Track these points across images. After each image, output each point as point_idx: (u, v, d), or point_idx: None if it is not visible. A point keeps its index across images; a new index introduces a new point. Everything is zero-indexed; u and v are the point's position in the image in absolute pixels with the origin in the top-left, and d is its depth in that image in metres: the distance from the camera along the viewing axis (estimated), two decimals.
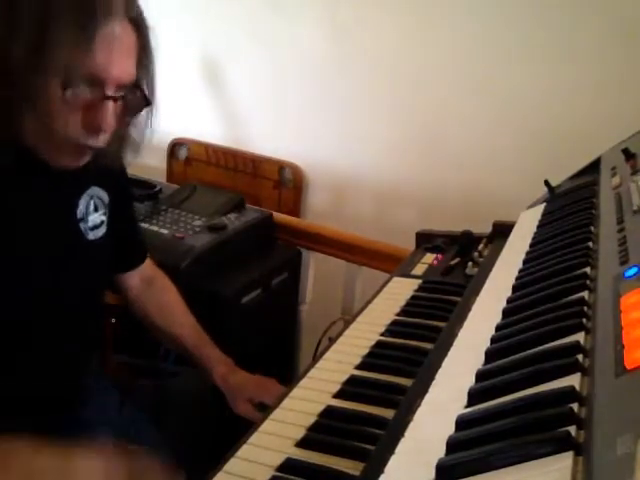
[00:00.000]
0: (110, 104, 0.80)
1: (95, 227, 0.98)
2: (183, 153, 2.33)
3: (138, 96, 0.85)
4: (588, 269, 0.76)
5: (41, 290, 0.90)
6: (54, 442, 0.75)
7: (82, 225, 0.95)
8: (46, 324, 0.92)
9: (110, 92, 0.79)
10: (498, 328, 0.72)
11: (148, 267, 1.19)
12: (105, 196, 1.00)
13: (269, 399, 0.99)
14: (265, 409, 0.80)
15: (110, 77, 0.78)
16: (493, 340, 0.69)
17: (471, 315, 0.84)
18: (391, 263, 1.47)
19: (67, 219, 0.94)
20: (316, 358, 0.91)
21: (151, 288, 1.18)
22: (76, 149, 0.83)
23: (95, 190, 0.98)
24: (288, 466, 0.68)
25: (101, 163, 0.89)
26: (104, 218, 0.99)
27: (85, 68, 0.76)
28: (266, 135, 2.18)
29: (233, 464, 0.69)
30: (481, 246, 1.20)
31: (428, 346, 0.87)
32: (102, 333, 1.44)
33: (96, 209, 0.98)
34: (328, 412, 0.76)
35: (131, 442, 1.07)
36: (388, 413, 0.74)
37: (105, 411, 1.11)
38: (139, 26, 0.82)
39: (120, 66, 0.79)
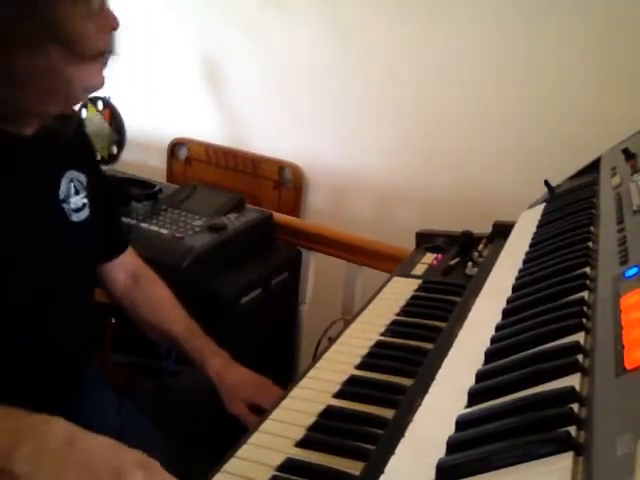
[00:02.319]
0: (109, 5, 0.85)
1: (78, 209, 0.97)
2: (183, 153, 2.33)
3: None
4: (588, 269, 0.76)
5: (29, 272, 0.89)
6: None
7: (65, 206, 0.95)
8: (38, 313, 0.91)
9: None
10: (498, 328, 0.72)
11: (133, 262, 1.17)
12: (84, 179, 1.00)
13: (266, 402, 0.97)
14: (261, 412, 0.79)
15: None
16: (493, 340, 0.69)
17: (471, 315, 0.84)
18: (391, 263, 1.47)
19: (50, 200, 0.94)
20: (316, 358, 0.91)
21: (138, 284, 1.16)
22: (104, 65, 0.86)
23: (74, 173, 0.98)
24: (288, 466, 0.68)
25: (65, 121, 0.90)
26: (85, 201, 0.99)
27: None
28: (266, 135, 2.18)
29: (233, 464, 0.69)
30: (481, 246, 1.20)
31: (428, 346, 0.87)
32: (101, 332, 1.44)
33: (77, 192, 0.98)
34: (328, 412, 0.76)
35: (129, 442, 1.08)
36: (388, 413, 0.74)
37: (103, 411, 1.11)
38: None
39: None
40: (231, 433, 0.84)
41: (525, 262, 0.90)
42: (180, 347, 1.12)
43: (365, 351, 0.90)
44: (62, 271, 0.94)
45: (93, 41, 0.82)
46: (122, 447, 0.71)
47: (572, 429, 0.48)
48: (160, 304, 1.15)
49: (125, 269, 1.16)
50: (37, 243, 0.90)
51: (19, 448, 0.66)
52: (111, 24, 0.85)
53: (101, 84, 0.88)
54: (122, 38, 2.18)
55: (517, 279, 0.85)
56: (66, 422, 0.71)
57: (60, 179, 0.95)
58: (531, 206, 1.22)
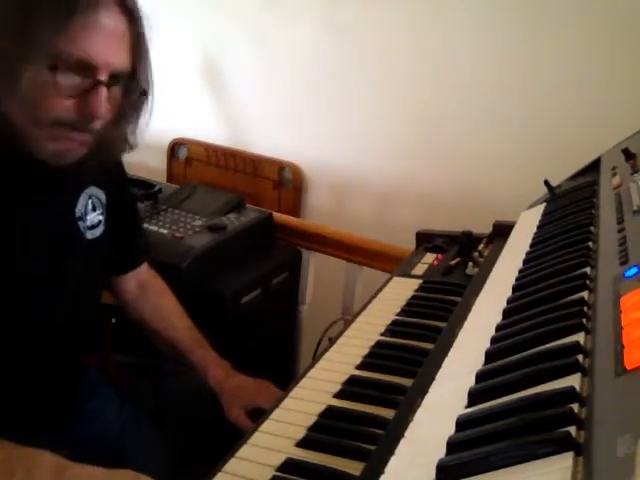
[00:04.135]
0: (103, 90, 0.79)
1: (93, 226, 0.98)
2: (183, 153, 2.33)
3: (134, 86, 0.85)
4: (588, 269, 0.76)
5: (40, 287, 0.90)
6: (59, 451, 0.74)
7: (81, 224, 0.95)
8: (44, 320, 0.92)
9: (102, 78, 0.79)
10: (498, 328, 0.72)
11: (144, 271, 1.18)
12: (103, 196, 1.00)
13: (266, 404, 0.96)
14: (261, 415, 0.79)
15: (100, 63, 0.78)
16: (493, 340, 0.69)
17: (471, 315, 0.84)
18: (391, 263, 1.46)
19: (66, 217, 0.94)
20: (316, 358, 0.91)
21: (147, 292, 1.17)
22: (70, 136, 0.81)
23: (93, 190, 0.98)
24: (288, 466, 0.68)
25: (98, 160, 0.88)
26: (101, 218, 0.99)
27: (72, 53, 0.76)
28: (266, 135, 2.18)
29: (233, 464, 0.69)
30: (481, 246, 1.20)
31: (428, 346, 0.87)
32: (101, 332, 1.44)
33: (94, 209, 0.98)
34: (328, 412, 0.76)
35: (129, 442, 1.08)
36: (388, 413, 0.74)
37: (104, 411, 1.11)
38: (132, 16, 0.82)
39: (110, 52, 0.79)
40: (231, 433, 0.84)
41: (525, 262, 0.90)
42: (184, 356, 1.13)
43: (365, 351, 0.90)
44: (70, 283, 0.95)
45: (55, 111, 0.78)
46: (111, 471, 0.71)
47: (572, 429, 0.48)
48: (166, 314, 1.16)
49: (137, 279, 1.17)
50: (49, 257, 0.91)
51: (11, 478, 0.66)
52: (89, 112, 0.79)
53: (59, 152, 0.82)
54: None
55: (517, 279, 0.85)
56: (53, 454, 0.72)
57: (79, 196, 0.95)
58: (531, 206, 1.22)
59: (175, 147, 2.33)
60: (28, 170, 0.85)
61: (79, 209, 0.95)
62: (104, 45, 0.78)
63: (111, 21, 0.78)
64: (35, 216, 0.88)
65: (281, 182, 2.16)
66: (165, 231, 1.54)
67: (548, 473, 0.46)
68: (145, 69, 0.86)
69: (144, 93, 0.86)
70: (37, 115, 0.78)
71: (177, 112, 2.31)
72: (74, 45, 0.76)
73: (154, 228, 1.55)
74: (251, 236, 1.61)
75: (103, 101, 0.79)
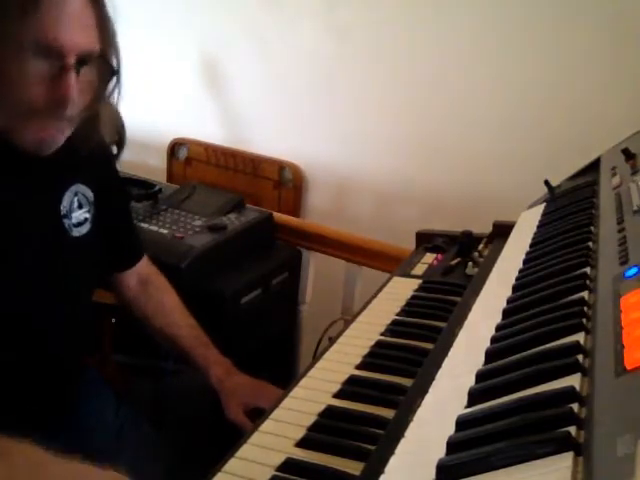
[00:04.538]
0: (72, 74, 0.78)
1: (79, 224, 0.97)
2: (183, 153, 2.33)
3: (104, 67, 0.84)
4: (588, 269, 0.76)
5: (26, 285, 0.89)
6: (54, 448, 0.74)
7: (66, 221, 0.94)
8: (32, 320, 0.91)
9: (70, 61, 0.78)
10: (498, 328, 0.72)
11: (145, 267, 1.18)
12: (90, 193, 0.99)
13: (265, 404, 0.97)
14: (260, 415, 0.79)
15: (67, 46, 0.77)
16: (493, 340, 0.69)
17: (471, 315, 0.84)
18: (391, 263, 1.46)
19: (50, 215, 0.93)
20: (316, 358, 0.91)
21: (148, 289, 1.17)
22: (46, 124, 0.81)
23: (80, 187, 0.97)
24: (288, 466, 0.68)
25: (82, 149, 0.87)
26: (88, 215, 0.98)
27: (38, 38, 0.76)
28: (266, 135, 2.18)
29: (233, 464, 0.69)
30: (481, 246, 1.20)
31: (428, 346, 0.87)
32: (101, 332, 1.44)
33: (80, 206, 0.97)
34: (328, 412, 0.76)
35: (128, 443, 1.07)
36: (388, 413, 0.74)
37: (103, 411, 1.11)
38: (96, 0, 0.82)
39: (76, 34, 0.78)
40: (231, 433, 0.84)
41: (525, 262, 0.90)
42: (185, 354, 1.13)
43: (365, 351, 0.90)
44: (60, 282, 0.94)
45: (27, 100, 0.77)
46: (93, 467, 0.71)
47: (572, 429, 0.48)
48: (168, 311, 1.16)
49: (137, 276, 1.16)
50: (34, 255, 0.90)
51: None
52: (58, 97, 0.78)
53: (39, 140, 0.81)
54: (122, 37, 2.18)
55: (517, 279, 0.85)
56: (34, 446, 0.70)
57: (64, 193, 0.95)
58: (531, 206, 1.22)
59: (175, 147, 2.33)
60: (12, 168, 0.84)
61: (64, 206, 0.94)
62: (71, 29, 0.77)
63: (76, 5, 0.78)
64: (19, 214, 0.87)
65: (281, 182, 2.16)
66: (165, 231, 1.54)
67: (548, 473, 0.46)
68: (115, 51, 0.87)
69: (115, 73, 0.86)
70: (11, 106, 0.78)
71: (177, 112, 2.31)
72: (41, 32, 0.75)
73: (154, 228, 1.55)
74: (251, 236, 1.61)
75: (73, 84, 0.78)
